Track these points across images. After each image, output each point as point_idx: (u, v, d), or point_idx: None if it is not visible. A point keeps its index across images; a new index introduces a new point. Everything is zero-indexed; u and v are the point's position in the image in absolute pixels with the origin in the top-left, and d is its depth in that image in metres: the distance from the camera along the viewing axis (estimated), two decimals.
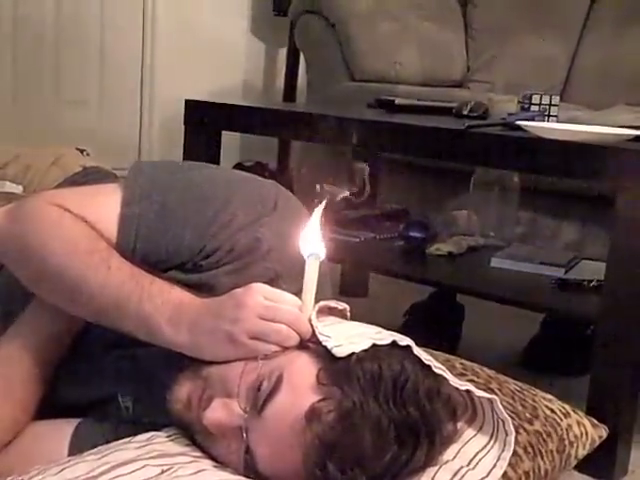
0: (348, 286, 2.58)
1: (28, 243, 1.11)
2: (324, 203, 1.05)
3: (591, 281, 1.83)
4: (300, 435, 0.94)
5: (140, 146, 3.81)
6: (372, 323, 1.09)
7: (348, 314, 1.13)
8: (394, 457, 0.96)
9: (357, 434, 0.94)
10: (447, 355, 1.38)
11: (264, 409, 0.97)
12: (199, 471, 0.98)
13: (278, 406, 0.97)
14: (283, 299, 1.04)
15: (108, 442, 1.08)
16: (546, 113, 1.98)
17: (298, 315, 1.03)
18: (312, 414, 0.94)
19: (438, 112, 2.18)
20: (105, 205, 1.14)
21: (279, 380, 0.97)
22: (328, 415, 0.94)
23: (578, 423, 1.32)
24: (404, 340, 1.02)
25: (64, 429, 1.16)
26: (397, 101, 2.22)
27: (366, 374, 0.96)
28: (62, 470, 0.97)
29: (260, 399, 0.97)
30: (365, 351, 0.98)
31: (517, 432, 1.12)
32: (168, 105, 3.50)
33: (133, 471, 0.96)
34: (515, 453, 1.10)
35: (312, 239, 1.03)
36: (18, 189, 1.43)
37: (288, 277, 1.09)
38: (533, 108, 1.98)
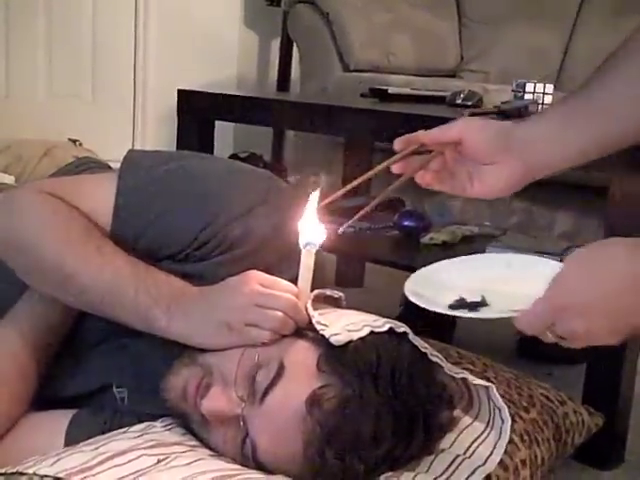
0: (343, 276, 2.58)
1: (21, 232, 1.10)
2: (319, 192, 1.04)
3: None
4: (301, 422, 0.94)
5: (134, 138, 3.80)
6: (368, 313, 1.08)
7: (344, 303, 1.13)
8: (392, 445, 0.96)
9: (357, 422, 0.94)
10: (443, 344, 1.38)
11: (266, 397, 0.97)
12: (195, 460, 0.97)
13: (280, 394, 0.96)
14: (279, 286, 1.03)
15: (104, 433, 1.08)
16: (539, 102, 1.97)
17: (294, 302, 1.02)
18: (313, 401, 0.94)
19: (431, 101, 2.18)
20: (99, 195, 1.14)
21: (281, 368, 0.97)
22: (329, 402, 0.94)
23: (574, 411, 1.33)
24: (401, 327, 1.02)
25: (60, 420, 1.16)
26: (390, 90, 2.21)
27: (365, 362, 0.96)
28: (58, 461, 0.96)
29: (261, 387, 0.97)
30: (362, 339, 0.98)
31: (513, 420, 1.12)
32: (161, 96, 3.49)
33: (129, 461, 0.95)
34: (511, 441, 1.11)
35: (309, 228, 1.02)
36: (10, 179, 1.42)
37: (281, 267, 1.09)
38: (527, 97, 1.97)
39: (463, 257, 1.07)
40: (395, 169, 1.11)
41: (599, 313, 0.87)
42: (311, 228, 1.02)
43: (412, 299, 0.96)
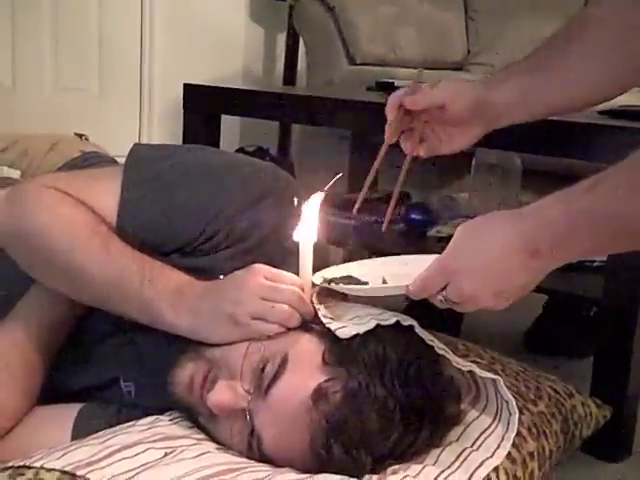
0: None
1: (27, 227, 1.10)
2: (326, 188, 1.04)
3: (594, 262, 1.82)
4: (306, 415, 0.94)
5: (140, 132, 3.80)
6: (375, 306, 1.08)
7: (349, 296, 1.13)
8: (399, 438, 0.96)
9: (363, 415, 0.94)
10: (450, 337, 1.38)
11: (270, 390, 0.97)
12: (202, 453, 0.98)
13: (284, 387, 0.96)
14: (284, 279, 1.03)
15: (111, 426, 1.08)
16: None
17: (300, 295, 1.02)
18: (319, 394, 0.94)
19: None
20: (105, 189, 1.14)
21: (284, 361, 0.97)
22: (335, 395, 0.94)
23: (582, 404, 1.32)
24: (407, 320, 1.01)
25: (67, 414, 1.16)
26: (396, 83, 2.20)
27: (371, 355, 0.96)
28: (65, 454, 0.97)
29: (265, 380, 0.97)
30: (369, 332, 0.98)
31: (521, 413, 1.12)
32: (168, 91, 3.49)
33: (136, 454, 0.96)
34: (519, 434, 1.10)
35: (305, 221, 1.02)
36: (16, 174, 1.42)
37: (286, 260, 1.09)
38: None
39: (368, 259, 1.17)
40: (389, 140, 1.22)
41: (483, 276, 0.95)
42: (307, 220, 1.02)
43: (318, 282, 1.04)
